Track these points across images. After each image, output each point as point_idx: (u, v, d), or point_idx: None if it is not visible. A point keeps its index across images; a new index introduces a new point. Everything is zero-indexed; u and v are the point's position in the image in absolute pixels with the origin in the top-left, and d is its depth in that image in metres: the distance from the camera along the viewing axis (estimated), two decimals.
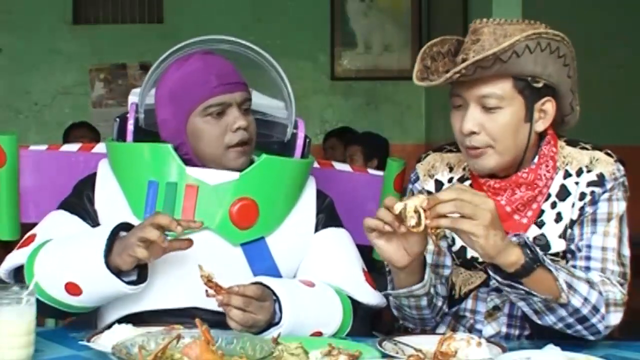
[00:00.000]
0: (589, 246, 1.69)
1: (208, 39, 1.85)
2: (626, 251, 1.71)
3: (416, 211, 1.45)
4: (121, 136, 1.87)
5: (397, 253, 1.56)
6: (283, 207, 1.84)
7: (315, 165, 2.03)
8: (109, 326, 1.58)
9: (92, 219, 1.80)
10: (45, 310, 1.66)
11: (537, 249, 1.53)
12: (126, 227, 1.65)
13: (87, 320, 1.86)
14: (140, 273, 1.66)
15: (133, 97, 1.94)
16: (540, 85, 1.64)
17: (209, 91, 1.76)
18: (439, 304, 1.78)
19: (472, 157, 1.69)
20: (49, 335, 1.62)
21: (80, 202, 1.82)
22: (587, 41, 5.62)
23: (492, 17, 1.66)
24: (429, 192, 1.83)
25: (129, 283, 1.62)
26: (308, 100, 5.58)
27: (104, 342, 1.49)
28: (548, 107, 1.68)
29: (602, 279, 1.65)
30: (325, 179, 2.02)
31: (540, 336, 1.70)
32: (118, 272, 1.61)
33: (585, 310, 1.58)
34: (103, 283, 1.61)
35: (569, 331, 1.62)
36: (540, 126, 1.69)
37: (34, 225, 1.90)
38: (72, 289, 1.63)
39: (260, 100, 1.96)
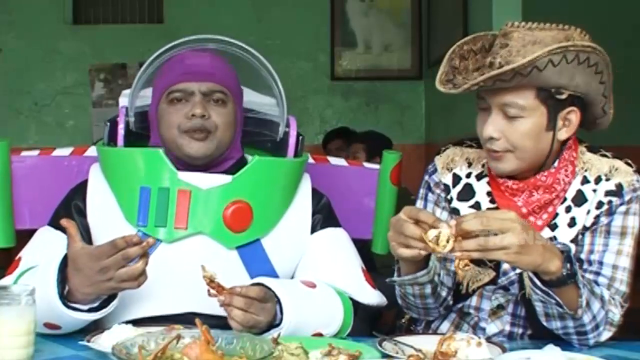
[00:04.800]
0: (600, 262, 1.70)
1: (196, 38, 1.85)
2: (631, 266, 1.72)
3: (447, 240, 1.47)
4: (112, 140, 1.86)
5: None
6: (277, 208, 1.83)
7: (310, 160, 2.02)
8: (106, 326, 1.58)
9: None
10: None
11: (577, 265, 1.55)
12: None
13: None
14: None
15: (123, 99, 1.94)
16: (564, 96, 1.63)
17: (173, 78, 1.78)
18: (443, 294, 1.78)
19: (493, 159, 1.70)
20: (49, 336, 1.61)
21: (67, 214, 1.78)
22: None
23: (525, 21, 1.65)
24: (446, 185, 1.84)
25: (101, 304, 1.60)
26: (308, 100, 5.58)
27: (104, 342, 1.49)
28: (572, 117, 1.67)
29: (610, 298, 1.67)
30: (321, 174, 2.01)
31: (541, 335, 1.71)
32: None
33: (589, 327, 1.62)
34: (74, 319, 1.59)
35: (563, 337, 1.65)
36: (563, 134, 1.68)
37: (28, 231, 1.89)
38: (51, 326, 1.62)
39: (253, 98, 1.96)
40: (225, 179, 1.78)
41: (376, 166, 2.14)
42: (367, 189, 2.12)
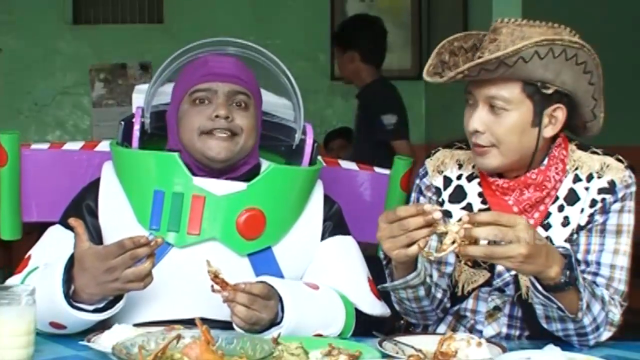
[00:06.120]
0: (598, 263, 1.70)
1: (217, 40, 1.85)
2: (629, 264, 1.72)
3: (454, 241, 1.46)
4: (126, 139, 1.85)
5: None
6: (290, 216, 1.83)
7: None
8: (109, 326, 1.58)
9: (87, 232, 1.73)
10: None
11: (578, 270, 1.55)
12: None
13: None
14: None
15: (137, 95, 1.93)
16: (550, 91, 1.63)
17: (197, 79, 1.77)
18: (439, 295, 1.78)
19: (477, 154, 1.70)
20: (49, 335, 1.62)
21: (77, 214, 1.76)
22: (587, 41, 5.63)
23: (514, 18, 1.65)
24: (437, 188, 1.84)
25: (106, 305, 1.60)
26: (308, 100, 5.55)
27: (104, 342, 1.49)
28: (558, 114, 1.67)
29: (609, 298, 1.67)
30: (331, 177, 2.00)
31: (538, 336, 1.71)
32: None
33: (589, 328, 1.62)
34: (79, 319, 1.59)
35: (563, 338, 1.65)
36: (549, 132, 1.68)
37: (35, 224, 1.89)
38: (57, 325, 1.62)
39: (268, 98, 1.95)
40: (240, 186, 1.77)
41: (387, 171, 2.13)
42: (377, 193, 2.11)
